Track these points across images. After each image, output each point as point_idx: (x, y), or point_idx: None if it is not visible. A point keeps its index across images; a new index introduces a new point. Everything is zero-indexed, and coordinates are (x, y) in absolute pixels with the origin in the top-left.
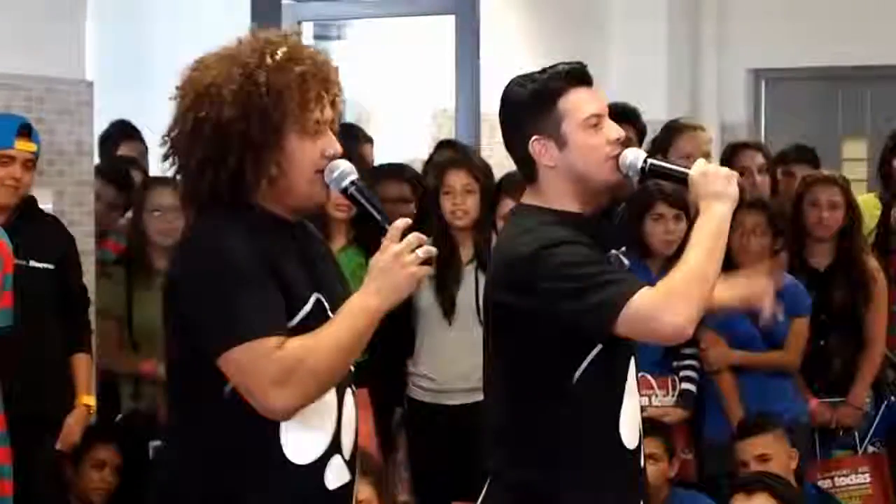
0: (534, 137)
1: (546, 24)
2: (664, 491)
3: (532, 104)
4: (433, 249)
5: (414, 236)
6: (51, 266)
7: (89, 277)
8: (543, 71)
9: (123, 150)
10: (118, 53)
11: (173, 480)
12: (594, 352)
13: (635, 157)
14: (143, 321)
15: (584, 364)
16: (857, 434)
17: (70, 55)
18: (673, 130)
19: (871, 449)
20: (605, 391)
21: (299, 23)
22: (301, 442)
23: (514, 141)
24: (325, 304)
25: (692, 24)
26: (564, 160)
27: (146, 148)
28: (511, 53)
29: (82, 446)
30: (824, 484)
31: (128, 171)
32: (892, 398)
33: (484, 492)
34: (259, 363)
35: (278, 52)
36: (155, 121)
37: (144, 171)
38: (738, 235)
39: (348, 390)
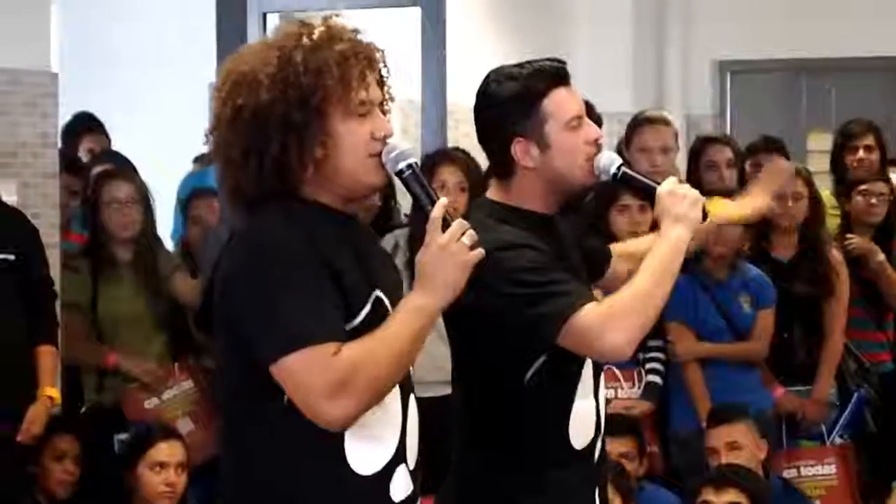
0: (516, 139)
1: (512, 16)
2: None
3: (514, 105)
4: (476, 235)
5: (457, 224)
6: (10, 257)
7: (54, 269)
8: (521, 66)
9: (86, 143)
10: (81, 45)
11: (232, 494)
12: (543, 356)
13: (609, 161)
14: (107, 313)
15: (535, 366)
16: (823, 426)
17: (35, 47)
18: (634, 123)
19: (838, 440)
20: (555, 392)
21: (264, 15)
22: (365, 452)
23: (493, 140)
24: (387, 302)
25: (658, 16)
26: (545, 162)
27: (109, 141)
28: (477, 46)
29: (42, 438)
30: (790, 473)
31: (79, 159)
32: (861, 390)
33: (444, 484)
34: (313, 372)
35: (315, 32)
36: (118, 113)
37: (135, 168)
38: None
39: (411, 396)
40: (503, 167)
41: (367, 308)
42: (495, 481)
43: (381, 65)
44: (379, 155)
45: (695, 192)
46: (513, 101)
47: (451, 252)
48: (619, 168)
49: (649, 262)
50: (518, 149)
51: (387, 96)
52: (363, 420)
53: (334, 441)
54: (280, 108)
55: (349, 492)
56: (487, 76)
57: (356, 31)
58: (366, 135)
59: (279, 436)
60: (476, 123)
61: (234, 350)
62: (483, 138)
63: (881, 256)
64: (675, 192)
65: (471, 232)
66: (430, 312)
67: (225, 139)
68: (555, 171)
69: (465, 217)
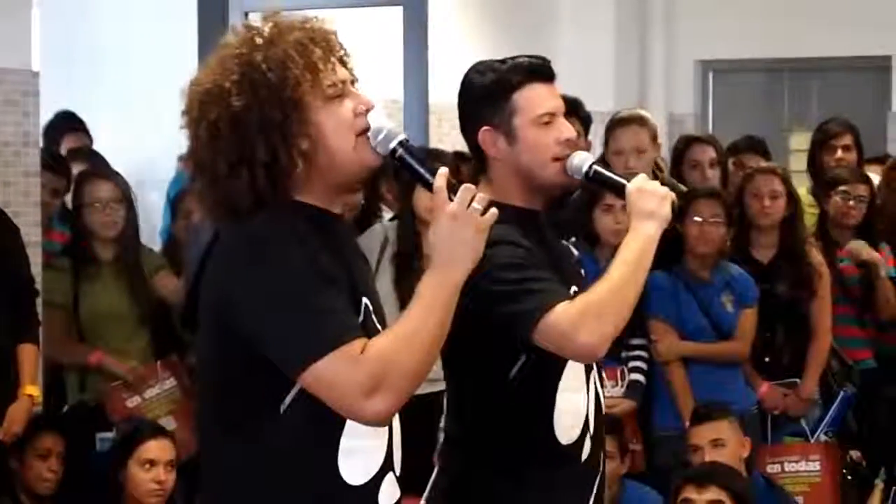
0: (484, 128)
1: (494, 15)
2: (615, 486)
3: (487, 94)
4: (486, 196)
5: (464, 190)
6: None
7: (35, 268)
8: (504, 61)
9: (68, 142)
10: (63, 43)
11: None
12: (525, 353)
13: (581, 161)
14: (89, 312)
15: (520, 363)
16: (804, 423)
17: (16, 45)
18: (609, 125)
19: (823, 438)
20: (539, 388)
21: (246, 14)
22: (357, 462)
23: (467, 128)
24: (371, 309)
25: (640, 16)
26: (512, 154)
27: (90, 140)
28: (459, 44)
29: (26, 436)
30: (773, 468)
31: (61, 157)
32: (845, 390)
33: (430, 484)
34: (344, 373)
35: (265, 29)
36: (100, 112)
37: (109, 166)
38: (698, 225)
39: None
40: (478, 158)
41: (361, 317)
42: (481, 477)
43: (339, 46)
44: (367, 132)
45: (664, 189)
46: (486, 90)
47: (462, 220)
48: (590, 166)
49: (620, 259)
50: (485, 137)
51: (353, 75)
52: (355, 430)
53: (329, 453)
54: (256, 111)
55: (340, 502)
56: (470, 68)
57: (304, 20)
58: (348, 114)
59: (270, 446)
60: (458, 113)
61: (232, 363)
62: (461, 128)
63: (884, 272)
64: (643, 189)
65: (480, 195)
66: (452, 288)
67: (207, 158)
68: (521, 165)
69: None
